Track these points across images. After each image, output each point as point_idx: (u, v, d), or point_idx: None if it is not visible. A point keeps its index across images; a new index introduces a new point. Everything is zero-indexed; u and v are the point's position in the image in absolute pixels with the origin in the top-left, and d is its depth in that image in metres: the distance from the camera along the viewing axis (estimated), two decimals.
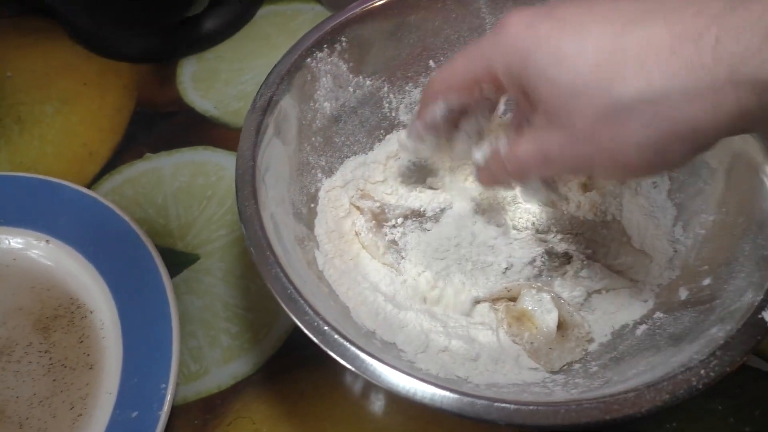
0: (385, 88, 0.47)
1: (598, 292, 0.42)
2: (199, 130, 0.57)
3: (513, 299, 0.42)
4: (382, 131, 0.49)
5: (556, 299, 0.41)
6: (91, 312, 0.45)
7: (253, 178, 0.36)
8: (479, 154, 0.37)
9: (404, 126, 0.49)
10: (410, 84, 0.48)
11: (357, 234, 0.45)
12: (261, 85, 0.40)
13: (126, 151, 0.56)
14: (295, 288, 0.33)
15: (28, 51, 0.63)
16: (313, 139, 0.44)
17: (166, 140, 0.56)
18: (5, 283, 0.46)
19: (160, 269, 0.44)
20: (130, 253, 0.45)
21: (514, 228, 0.44)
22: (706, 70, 0.25)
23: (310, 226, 0.43)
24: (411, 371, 0.31)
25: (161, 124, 0.58)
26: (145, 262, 0.44)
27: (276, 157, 0.40)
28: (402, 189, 0.47)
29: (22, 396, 0.41)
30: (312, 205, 0.45)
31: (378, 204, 0.46)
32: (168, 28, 0.61)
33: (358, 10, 0.44)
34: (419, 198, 0.46)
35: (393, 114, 0.49)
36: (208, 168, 0.55)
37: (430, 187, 0.47)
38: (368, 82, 0.46)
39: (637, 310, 0.41)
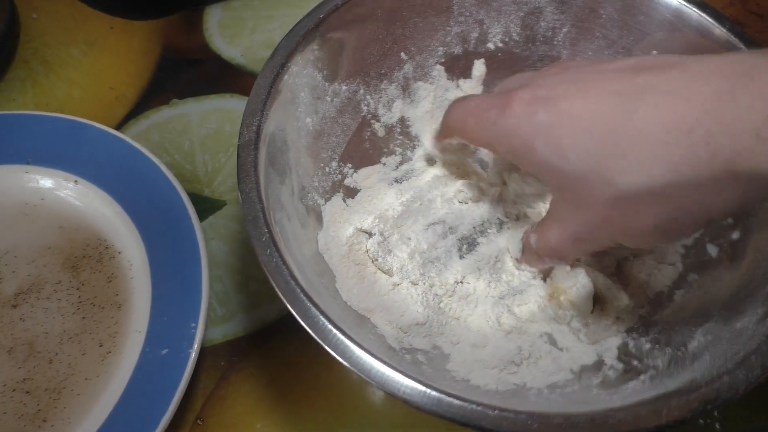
0: (361, 91, 0.45)
1: (626, 259, 0.41)
2: (227, 78, 0.56)
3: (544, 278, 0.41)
4: (367, 143, 0.46)
5: (592, 272, 0.39)
6: (120, 252, 0.45)
7: (266, 221, 0.34)
8: (513, 248, 0.40)
9: (380, 121, 0.46)
10: (384, 81, 0.45)
11: (373, 260, 0.42)
12: (244, 115, 0.37)
13: (153, 96, 0.55)
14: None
15: None
16: (303, 160, 0.41)
17: (193, 87, 0.56)
18: (34, 222, 0.46)
19: (189, 211, 0.43)
20: (159, 195, 0.45)
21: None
22: (704, 164, 0.26)
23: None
24: (460, 391, 0.30)
25: (188, 71, 0.57)
26: (173, 203, 0.44)
27: (277, 193, 0.38)
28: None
29: (52, 332, 0.42)
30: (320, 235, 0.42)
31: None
32: None
33: (322, 13, 0.41)
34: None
35: (371, 116, 0.46)
36: (235, 115, 0.54)
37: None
38: (344, 88, 0.44)
39: (667, 275, 0.40)
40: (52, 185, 0.47)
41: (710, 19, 0.40)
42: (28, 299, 0.43)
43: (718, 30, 0.40)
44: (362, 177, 0.45)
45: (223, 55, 0.58)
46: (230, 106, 0.55)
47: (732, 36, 0.40)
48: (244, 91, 0.55)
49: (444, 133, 0.40)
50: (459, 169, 0.45)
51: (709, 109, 0.25)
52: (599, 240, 0.32)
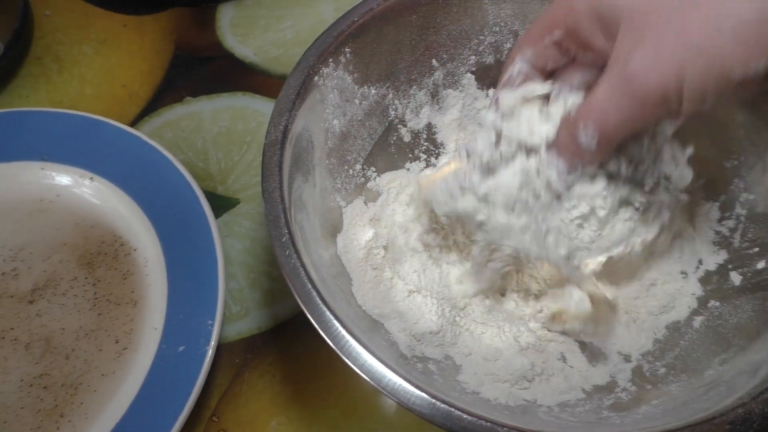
0: (390, 95, 0.45)
1: (636, 298, 0.41)
2: (239, 76, 0.57)
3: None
4: (392, 147, 0.46)
5: (584, 282, 0.39)
6: (135, 250, 0.45)
7: (287, 222, 0.34)
8: (547, 126, 0.34)
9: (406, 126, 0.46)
10: (414, 87, 0.45)
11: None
12: (272, 114, 0.37)
13: (166, 94, 0.56)
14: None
15: None
16: (327, 161, 0.41)
17: (206, 85, 0.56)
18: (49, 218, 0.46)
19: (205, 208, 0.44)
20: (174, 192, 0.45)
21: None
22: None
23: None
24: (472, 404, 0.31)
25: (201, 69, 0.57)
26: (189, 201, 0.44)
27: (299, 193, 0.38)
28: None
29: (68, 328, 0.42)
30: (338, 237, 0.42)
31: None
32: None
33: (358, 16, 0.41)
34: None
35: (398, 121, 0.46)
36: (247, 114, 0.54)
37: None
38: (373, 91, 0.44)
39: (686, 301, 0.40)
40: (68, 182, 0.47)
41: None
42: (44, 295, 0.43)
43: None
44: (385, 181, 0.45)
45: (236, 53, 0.58)
46: (242, 105, 0.55)
47: None
48: (256, 89, 0.56)
49: (506, 63, 0.36)
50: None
51: None
52: (656, 80, 0.28)
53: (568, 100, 0.35)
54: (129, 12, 0.61)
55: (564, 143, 0.33)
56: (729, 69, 0.26)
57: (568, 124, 0.33)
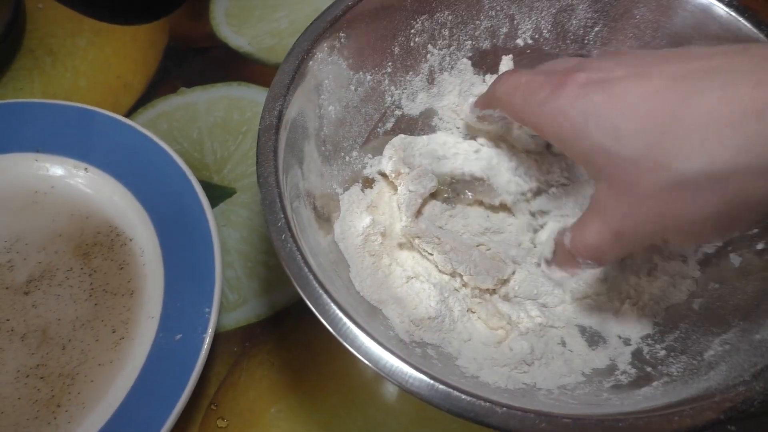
0: (386, 81, 0.44)
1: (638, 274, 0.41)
2: (234, 66, 0.56)
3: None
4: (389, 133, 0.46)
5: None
6: (131, 240, 0.45)
7: (283, 207, 0.34)
8: (545, 248, 0.36)
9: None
10: (410, 73, 0.45)
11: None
12: (267, 99, 0.37)
13: (160, 85, 0.55)
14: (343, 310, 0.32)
15: None
16: (323, 148, 0.41)
17: (201, 75, 0.56)
18: (44, 210, 0.46)
19: (201, 197, 0.43)
20: (169, 182, 0.45)
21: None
22: None
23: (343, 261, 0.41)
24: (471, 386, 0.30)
25: (195, 59, 0.57)
26: (184, 190, 0.44)
27: (295, 179, 0.37)
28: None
29: (64, 319, 0.42)
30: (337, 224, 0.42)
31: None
32: None
33: (352, 1, 0.41)
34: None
35: (395, 107, 0.46)
36: (243, 104, 0.54)
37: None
38: (369, 77, 0.43)
39: (685, 284, 0.39)
40: (63, 173, 0.47)
41: (753, 28, 0.39)
42: (40, 286, 0.43)
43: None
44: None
45: (230, 43, 0.58)
46: (238, 95, 0.55)
47: None
48: (252, 79, 0.55)
49: (488, 102, 0.39)
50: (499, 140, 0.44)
51: None
52: (644, 235, 0.30)
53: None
54: (120, 22, 0.60)
55: (564, 265, 0.35)
56: (706, 240, 0.31)
57: (566, 255, 0.34)
